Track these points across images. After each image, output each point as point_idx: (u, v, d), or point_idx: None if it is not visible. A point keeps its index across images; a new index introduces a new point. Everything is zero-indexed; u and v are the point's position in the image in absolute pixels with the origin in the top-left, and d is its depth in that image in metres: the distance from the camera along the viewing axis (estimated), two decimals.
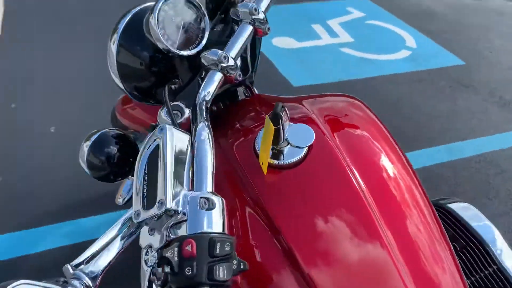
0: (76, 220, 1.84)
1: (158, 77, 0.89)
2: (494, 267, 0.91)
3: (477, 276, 0.91)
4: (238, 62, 0.84)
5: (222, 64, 0.71)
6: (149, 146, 0.55)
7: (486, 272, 0.91)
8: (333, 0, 4.11)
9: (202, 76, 0.78)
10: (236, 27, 0.80)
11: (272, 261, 0.64)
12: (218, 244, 0.46)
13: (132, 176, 1.07)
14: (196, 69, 0.82)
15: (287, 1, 3.95)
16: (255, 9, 0.75)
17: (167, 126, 0.53)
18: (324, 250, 0.63)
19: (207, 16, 0.81)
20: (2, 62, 2.84)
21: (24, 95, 2.53)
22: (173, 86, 0.86)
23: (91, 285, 0.49)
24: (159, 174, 0.50)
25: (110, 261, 0.52)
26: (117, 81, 0.91)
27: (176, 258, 0.46)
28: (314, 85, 2.84)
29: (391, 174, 0.73)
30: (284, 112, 0.64)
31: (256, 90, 0.94)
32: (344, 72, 3.01)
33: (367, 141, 0.76)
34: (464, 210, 1.00)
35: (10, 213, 1.86)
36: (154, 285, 0.48)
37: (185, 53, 0.78)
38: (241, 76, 0.74)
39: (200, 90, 0.69)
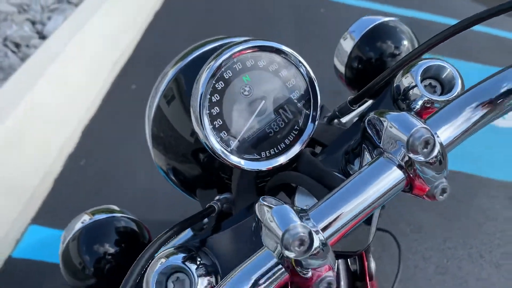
0: None
1: (199, 170, 0.50)
2: None
3: None
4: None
5: (289, 253, 0.27)
6: None
7: None
8: None
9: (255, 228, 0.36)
10: (367, 154, 0.36)
11: None
12: None
13: None
14: (261, 190, 0.42)
15: (475, 59, 3.24)
16: (427, 143, 0.29)
17: None
18: None
19: (318, 109, 0.38)
20: None
21: None
22: (219, 199, 0.45)
23: None
24: None
25: None
26: (148, 140, 0.55)
27: None
28: (475, 175, 2.19)
29: None
30: None
31: (373, 267, 0.47)
32: None
33: None
34: None
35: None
36: None
37: (244, 165, 0.37)
38: (333, 283, 0.29)
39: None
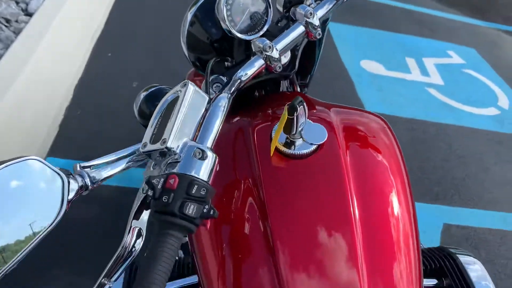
0: None
1: (218, 53, 0.99)
2: None
3: None
4: (284, 59, 0.92)
5: (266, 53, 0.78)
6: (172, 95, 0.64)
7: None
8: (437, 39, 4.01)
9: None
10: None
11: (251, 236, 0.70)
12: (196, 187, 0.54)
13: None
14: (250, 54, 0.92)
15: (389, 29, 3.92)
16: (311, 13, 0.82)
17: (190, 84, 0.62)
18: (300, 244, 0.67)
19: (271, 10, 0.90)
20: None
21: None
22: (226, 63, 0.96)
23: (89, 185, 0.60)
24: (171, 119, 0.59)
25: (110, 175, 0.63)
26: (184, 48, 1.03)
27: (159, 186, 0.54)
28: (387, 115, 2.82)
29: (388, 202, 0.74)
30: (302, 106, 0.70)
31: (298, 89, 1.01)
32: (421, 112, 2.96)
33: (377, 162, 0.80)
34: (470, 265, 0.99)
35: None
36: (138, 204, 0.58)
37: (242, 36, 0.88)
38: (281, 68, 0.81)
39: (240, 69, 0.77)
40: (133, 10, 3.22)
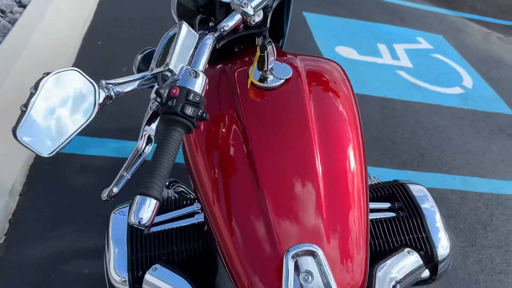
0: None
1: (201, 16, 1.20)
2: (424, 234, 1.11)
3: (409, 236, 1.12)
4: (258, 17, 1.12)
5: (243, 8, 0.99)
6: (170, 32, 0.85)
7: (416, 236, 1.11)
8: (407, 27, 4.27)
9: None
10: None
11: (236, 154, 0.90)
12: (192, 94, 0.75)
13: None
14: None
15: (362, 18, 4.17)
16: None
17: (184, 24, 0.82)
18: (275, 158, 0.88)
19: None
20: None
21: None
22: (210, 23, 1.16)
23: (113, 96, 0.79)
24: (171, 49, 0.80)
25: (127, 91, 0.82)
26: (175, 17, 1.23)
27: (165, 95, 0.75)
28: (360, 94, 3.05)
29: (340, 126, 0.95)
30: (271, 46, 0.91)
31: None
32: (391, 91, 3.20)
33: (332, 95, 1.01)
34: (417, 191, 1.21)
35: None
36: (150, 111, 0.78)
37: (227, 0, 1.08)
38: (255, 22, 1.01)
39: (223, 21, 0.98)
40: (120, 1, 3.40)
